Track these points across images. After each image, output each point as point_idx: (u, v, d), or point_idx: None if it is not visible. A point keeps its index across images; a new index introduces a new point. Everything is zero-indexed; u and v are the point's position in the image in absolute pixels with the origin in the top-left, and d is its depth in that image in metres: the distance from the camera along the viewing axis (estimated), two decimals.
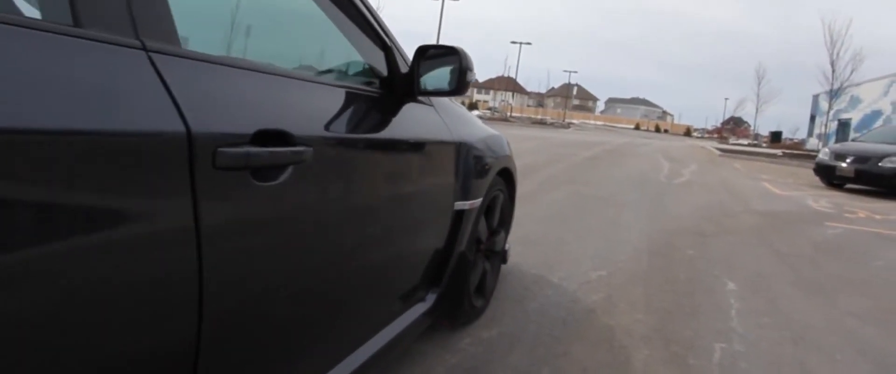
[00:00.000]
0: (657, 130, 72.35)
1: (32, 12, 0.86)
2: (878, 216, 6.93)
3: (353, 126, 1.34)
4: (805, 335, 2.55)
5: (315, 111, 1.19)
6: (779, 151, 24.68)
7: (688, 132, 73.08)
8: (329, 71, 1.57)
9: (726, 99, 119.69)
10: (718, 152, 20.19)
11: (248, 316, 1.00)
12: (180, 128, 0.79)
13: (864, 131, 18.02)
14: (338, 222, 1.26)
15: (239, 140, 0.90)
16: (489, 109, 59.30)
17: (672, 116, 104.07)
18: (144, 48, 0.80)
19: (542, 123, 37.99)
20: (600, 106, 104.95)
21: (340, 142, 1.26)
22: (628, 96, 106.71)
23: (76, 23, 0.72)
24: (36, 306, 0.64)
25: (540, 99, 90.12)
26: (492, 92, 78.69)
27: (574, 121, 59.49)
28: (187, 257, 0.82)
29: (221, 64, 0.99)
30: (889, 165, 9.44)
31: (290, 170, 1.01)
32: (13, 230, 0.60)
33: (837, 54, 28.29)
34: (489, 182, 2.25)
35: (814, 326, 2.69)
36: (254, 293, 1.00)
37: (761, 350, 2.34)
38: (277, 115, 1.04)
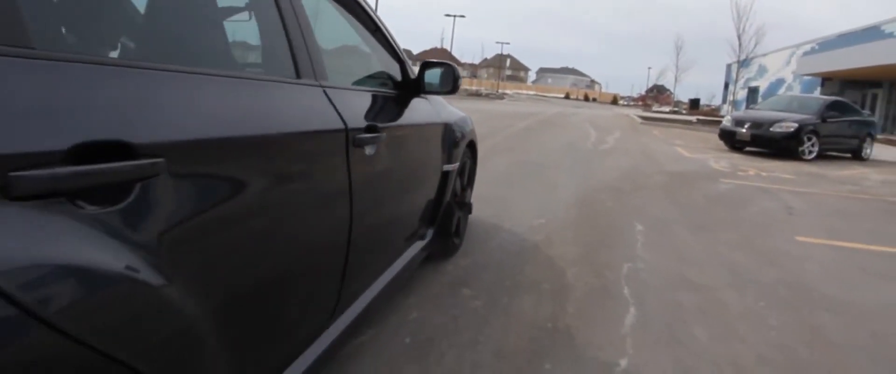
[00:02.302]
0: (586, 98, 75.05)
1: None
2: (764, 174, 8.29)
3: (390, 116, 2.11)
4: (687, 257, 3.56)
5: (371, 110, 1.95)
6: (694, 118, 26.77)
7: (615, 100, 76.22)
8: (370, 77, 2.32)
9: (649, 68, 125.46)
10: (640, 120, 21.83)
11: (356, 243, 1.72)
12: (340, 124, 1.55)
13: (761, 100, 19.96)
14: (392, 180, 2.04)
15: (361, 130, 1.66)
16: None
17: (600, 84, 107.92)
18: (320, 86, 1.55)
19: (477, 94, 38.96)
20: (532, 76, 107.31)
21: (389, 127, 2.03)
22: (558, 66, 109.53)
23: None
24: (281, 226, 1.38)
25: (473, 70, 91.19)
26: None
27: (507, 91, 60.97)
28: (343, 204, 1.55)
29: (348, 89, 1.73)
30: (778, 129, 10.96)
31: (377, 144, 1.77)
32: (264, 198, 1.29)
33: (743, 28, 30.89)
34: (462, 151, 3.07)
35: (694, 251, 3.72)
36: (357, 230, 1.70)
37: (655, 266, 3.31)
38: (375, 117, 1.79)
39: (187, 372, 0.89)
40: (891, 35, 20.90)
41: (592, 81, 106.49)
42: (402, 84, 2.38)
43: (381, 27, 2.25)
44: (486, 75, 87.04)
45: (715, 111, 41.70)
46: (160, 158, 0.84)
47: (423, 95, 2.53)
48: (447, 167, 2.80)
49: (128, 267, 0.77)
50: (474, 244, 3.43)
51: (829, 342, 2.42)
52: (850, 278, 3.36)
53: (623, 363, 2.10)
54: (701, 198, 5.84)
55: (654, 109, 49.06)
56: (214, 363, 0.96)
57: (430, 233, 2.72)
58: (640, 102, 66.83)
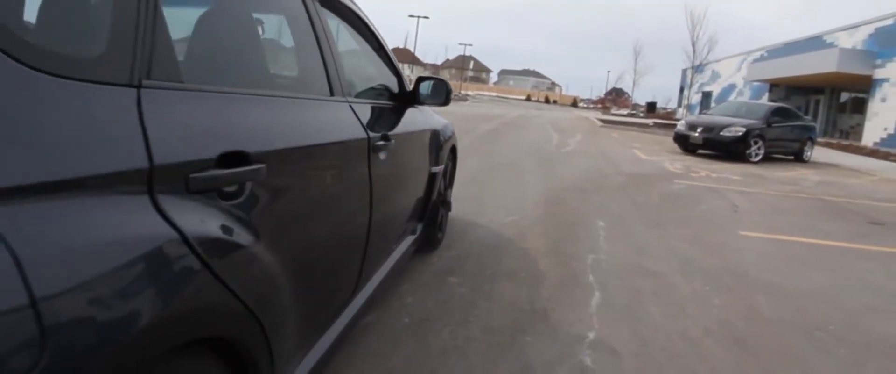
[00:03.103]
0: (547, 101, 76.37)
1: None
2: (714, 175, 8.90)
3: (395, 125, 2.43)
4: (644, 249, 3.98)
5: (382, 120, 2.27)
6: (651, 122, 27.79)
7: (575, 103, 77.79)
8: (375, 89, 2.62)
9: (609, 71, 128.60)
10: (600, 123, 22.61)
11: (373, 231, 2.03)
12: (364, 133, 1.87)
13: (714, 105, 20.93)
14: (396, 180, 2.36)
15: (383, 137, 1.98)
16: None
17: (560, 87, 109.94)
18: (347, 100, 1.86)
19: None
20: (494, 78, 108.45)
21: (396, 135, 2.35)
22: (520, 68, 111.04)
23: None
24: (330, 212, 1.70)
25: (436, 71, 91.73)
26: None
27: (470, 92, 61.60)
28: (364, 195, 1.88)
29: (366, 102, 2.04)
30: (727, 134, 11.68)
31: (388, 150, 2.09)
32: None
33: (697, 36, 32.31)
34: (446, 154, 3.41)
35: (650, 244, 4.15)
36: (374, 220, 2.02)
37: (616, 256, 3.72)
38: (385, 127, 2.11)
39: (277, 307, 1.21)
40: (831, 44, 22.23)
41: (553, 83, 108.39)
42: (399, 96, 2.70)
43: (383, 44, 2.57)
44: (448, 76, 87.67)
45: (671, 114, 43.15)
46: (263, 163, 1.16)
47: (417, 107, 2.86)
48: (434, 169, 3.13)
49: (248, 235, 1.08)
50: (455, 239, 3.77)
51: (762, 317, 2.85)
52: (782, 266, 3.84)
53: (591, 335, 2.47)
54: (656, 197, 6.33)
55: (613, 111, 50.42)
56: (292, 303, 1.28)
57: (419, 228, 3.04)
58: (600, 105, 68.54)
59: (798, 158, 13.09)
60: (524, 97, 76.18)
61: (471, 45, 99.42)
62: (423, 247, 3.27)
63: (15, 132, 0.68)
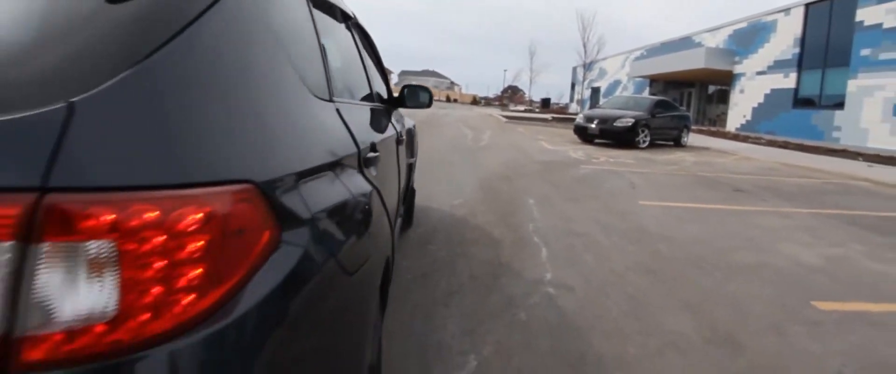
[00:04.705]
0: (448, 99, 78.22)
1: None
2: (612, 160, 10.24)
3: (392, 124, 3.13)
4: (569, 218, 4.94)
5: (387, 121, 2.97)
6: (549, 116, 29.79)
7: (475, 101, 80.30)
8: (368, 95, 3.30)
9: (505, 70, 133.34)
10: (505, 119, 24.04)
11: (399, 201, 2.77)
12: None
13: (605, 100, 23.00)
14: (401, 165, 3.07)
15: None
16: None
17: (459, 86, 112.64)
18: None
19: None
20: (394, 78, 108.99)
21: (397, 131, 3.06)
22: (420, 68, 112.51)
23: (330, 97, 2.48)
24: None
25: None
26: None
27: None
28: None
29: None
30: (619, 124, 13.24)
31: (402, 142, 2.81)
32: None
33: (588, 37, 35.08)
34: (416, 148, 4.14)
35: (572, 214, 5.12)
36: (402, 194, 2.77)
37: (549, 224, 4.63)
38: (399, 124, 2.83)
39: (385, 229, 1.92)
40: (700, 44, 25.13)
41: (452, 83, 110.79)
42: (388, 100, 3.40)
43: (376, 51, 3.26)
44: None
45: (564, 109, 46.02)
46: (378, 152, 1.86)
47: (401, 110, 3.57)
48: (410, 160, 3.85)
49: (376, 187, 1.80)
50: (419, 220, 4.51)
51: (663, 257, 3.85)
52: (673, 224, 4.94)
53: (548, 276, 3.32)
54: (569, 179, 7.41)
55: (511, 108, 52.85)
56: (390, 230, 1.99)
57: (403, 210, 3.76)
58: (497, 102, 71.35)
59: (677, 143, 15.00)
60: None
61: None
62: (403, 225, 3.98)
63: (311, 132, 1.37)
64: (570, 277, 3.32)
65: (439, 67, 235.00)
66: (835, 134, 16.30)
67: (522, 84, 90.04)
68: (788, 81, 18.86)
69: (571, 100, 47.19)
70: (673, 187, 7.39)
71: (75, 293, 0.54)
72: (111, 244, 0.56)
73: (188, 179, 0.64)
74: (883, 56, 14.86)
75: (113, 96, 0.62)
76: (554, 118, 27.46)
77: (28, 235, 0.53)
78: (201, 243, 0.62)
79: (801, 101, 18.36)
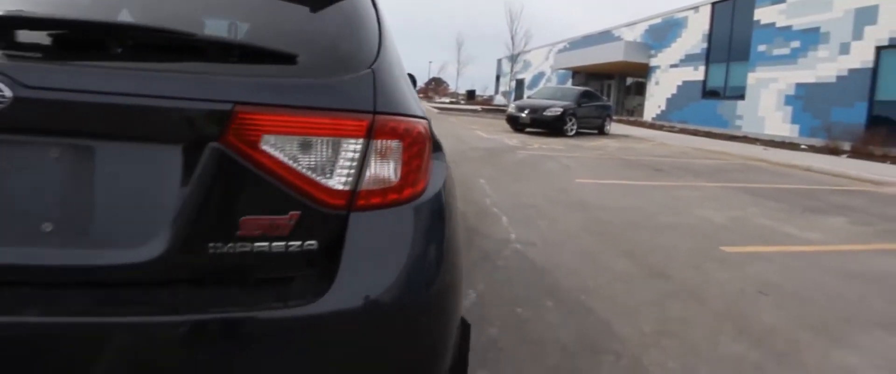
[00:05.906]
0: None
1: None
2: (544, 147, 11.07)
3: None
4: (518, 194, 5.59)
5: None
6: (479, 107, 30.72)
7: None
8: None
9: (430, 62, 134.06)
10: (437, 110, 24.65)
11: None
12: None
13: (534, 90, 24.08)
14: None
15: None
16: None
17: None
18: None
19: None
20: None
21: None
22: None
23: None
24: None
25: None
26: None
27: None
28: None
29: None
30: (549, 114, 14.16)
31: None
32: None
33: (516, 30, 36.24)
34: None
35: (520, 191, 5.78)
36: None
37: (503, 198, 5.26)
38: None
39: None
40: (618, 38, 26.75)
41: None
42: None
43: None
44: None
45: (489, 101, 47.08)
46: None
47: None
48: None
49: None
50: None
51: (604, 222, 4.56)
52: (607, 196, 5.71)
53: (513, 236, 3.94)
54: (510, 163, 8.11)
55: (436, 100, 53.57)
56: None
57: None
58: (421, 95, 71.94)
59: (601, 131, 16.17)
60: None
61: None
62: None
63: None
64: (531, 236, 3.95)
65: None
66: (737, 122, 18.07)
67: (448, 76, 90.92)
68: (698, 73, 20.59)
69: (496, 91, 48.44)
70: (602, 168, 8.25)
71: (386, 169, 1.05)
72: (399, 142, 1.08)
73: (417, 113, 1.18)
74: (776, 52, 16.65)
75: (381, 66, 1.14)
76: (484, 109, 28.38)
77: (370, 134, 1.04)
78: (424, 144, 1.14)
79: (709, 92, 20.13)
